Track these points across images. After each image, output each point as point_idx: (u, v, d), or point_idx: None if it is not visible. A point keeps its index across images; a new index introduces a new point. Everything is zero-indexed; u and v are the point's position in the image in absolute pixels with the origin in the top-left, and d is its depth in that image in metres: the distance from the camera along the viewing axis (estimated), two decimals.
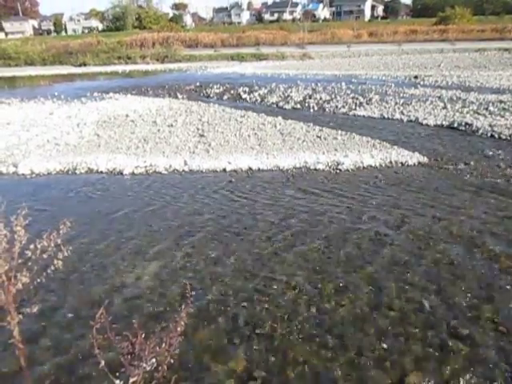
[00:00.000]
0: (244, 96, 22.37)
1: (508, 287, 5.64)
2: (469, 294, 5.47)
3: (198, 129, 14.97)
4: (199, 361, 4.42)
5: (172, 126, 15.59)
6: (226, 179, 10.33)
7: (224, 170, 10.98)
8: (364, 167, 10.74)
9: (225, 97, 22.64)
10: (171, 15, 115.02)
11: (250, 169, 10.95)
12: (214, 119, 16.41)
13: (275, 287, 5.74)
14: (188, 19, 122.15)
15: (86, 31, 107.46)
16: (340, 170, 10.61)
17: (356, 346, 4.56)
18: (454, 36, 59.25)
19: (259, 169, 10.94)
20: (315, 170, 10.71)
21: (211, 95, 23.43)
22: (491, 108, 16.78)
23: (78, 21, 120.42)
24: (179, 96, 22.98)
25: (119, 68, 45.68)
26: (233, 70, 39.04)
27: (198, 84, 27.91)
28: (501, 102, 17.93)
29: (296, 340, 4.69)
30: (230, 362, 4.40)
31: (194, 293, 5.57)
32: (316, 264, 6.30)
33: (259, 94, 22.48)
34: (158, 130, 14.94)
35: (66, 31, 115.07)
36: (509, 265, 6.23)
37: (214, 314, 5.22)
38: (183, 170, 11.07)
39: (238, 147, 12.58)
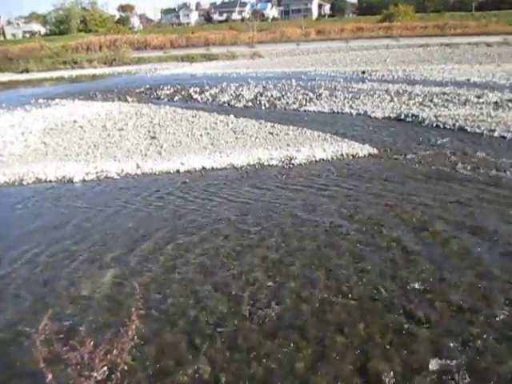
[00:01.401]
0: (195, 96, 22.15)
1: (458, 268, 5.85)
2: (422, 277, 5.63)
3: (149, 131, 14.66)
4: (160, 365, 4.29)
5: (122, 129, 15.18)
6: (180, 180, 10.17)
7: (178, 171, 10.80)
8: (316, 161, 10.88)
9: (176, 98, 22.31)
10: (118, 17, 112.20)
11: (204, 168, 10.84)
12: (165, 121, 16.12)
13: (235, 285, 5.69)
14: (135, 21, 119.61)
15: (28, 35, 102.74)
16: (293, 164, 10.70)
17: (318, 338, 4.58)
18: (399, 32, 61.23)
19: (213, 168, 10.84)
20: (269, 165, 10.74)
21: (162, 97, 23.03)
22: (435, 100, 17.47)
23: (18, 24, 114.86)
24: (129, 99, 22.42)
25: (65, 73, 43.96)
26: (183, 70, 38.58)
27: (147, 86, 27.35)
28: (444, 93, 18.71)
29: (259, 336, 4.66)
30: (192, 363, 4.30)
31: (152, 296, 5.44)
32: (274, 259, 6.30)
33: (210, 94, 22.33)
34: (108, 135, 14.50)
35: (4, 36, 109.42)
36: (458, 247, 6.48)
37: (174, 317, 5.10)
38: (136, 174, 10.80)
39: (190, 147, 12.43)
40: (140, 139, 13.75)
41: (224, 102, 20.04)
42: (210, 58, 48.85)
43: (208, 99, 21.07)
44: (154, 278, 5.98)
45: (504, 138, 13.59)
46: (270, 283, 5.67)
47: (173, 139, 13.37)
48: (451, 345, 4.35)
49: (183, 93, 23.68)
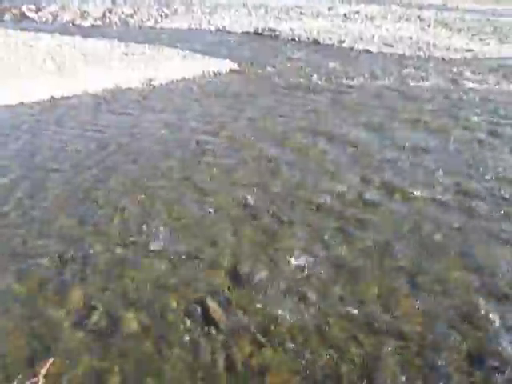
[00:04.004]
0: (30, 15, 19.18)
1: (316, 172, 6.32)
2: (284, 182, 5.97)
3: None
4: None
5: None
6: (25, 113, 8.98)
7: (21, 103, 9.48)
8: (178, 80, 10.47)
9: (5, 17, 19.05)
10: None
11: (54, 98, 9.70)
12: None
13: (102, 217, 5.38)
14: None
15: None
16: (154, 85, 10.16)
17: (191, 254, 4.63)
18: None
19: (64, 96, 9.76)
20: (128, 89, 10.04)
21: None
22: (291, 13, 17.71)
23: None
24: None
25: None
26: None
27: None
28: (298, 7, 19.02)
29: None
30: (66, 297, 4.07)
31: None
32: (140, 184, 6.05)
33: (50, 12, 19.51)
34: None
35: None
36: (315, 153, 6.96)
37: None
38: None
39: (33, 75, 10.92)
40: None
41: (67, 20, 17.78)
42: None
43: (47, 18, 18.44)
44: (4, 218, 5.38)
45: (352, 48, 14.53)
46: (139, 208, 5.50)
47: (9, 66, 11.57)
48: (312, 241, 4.76)
49: (14, 11, 20.28)
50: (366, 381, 2.96)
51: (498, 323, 3.57)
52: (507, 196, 5.61)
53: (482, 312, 3.69)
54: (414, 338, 3.44)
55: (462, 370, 3.17)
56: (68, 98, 9.74)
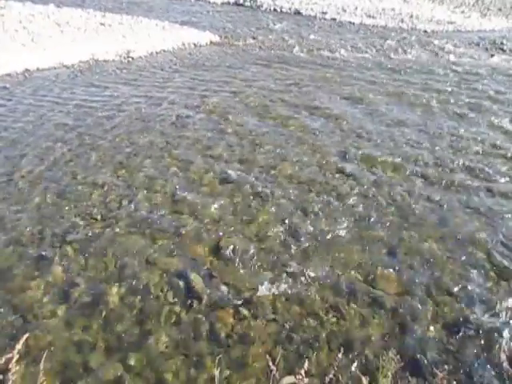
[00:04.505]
0: None
1: (297, 145, 6.31)
2: (266, 156, 5.95)
3: None
4: None
5: None
6: None
7: None
8: (157, 52, 10.21)
9: None
10: None
11: (28, 70, 9.37)
12: None
13: (81, 192, 5.30)
14: None
15: None
16: (132, 58, 9.89)
17: (171, 230, 4.62)
18: None
19: (39, 68, 9.45)
20: (105, 61, 9.76)
21: None
22: None
23: None
24: None
25: None
26: None
27: None
28: None
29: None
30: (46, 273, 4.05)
31: None
32: (119, 158, 5.96)
33: None
34: None
35: None
36: (297, 126, 6.93)
37: None
38: None
39: (4, 46, 10.49)
40: None
41: None
42: None
43: None
44: None
45: (334, 19, 14.32)
46: (118, 182, 5.43)
47: None
48: (294, 213, 4.79)
49: None
50: (344, 347, 3.05)
51: (473, 293, 3.68)
52: (485, 168, 5.71)
53: (458, 282, 3.80)
54: (392, 306, 3.53)
55: (437, 336, 3.29)
56: (43, 69, 9.44)
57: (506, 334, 3.23)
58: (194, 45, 10.72)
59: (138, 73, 9.11)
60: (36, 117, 7.33)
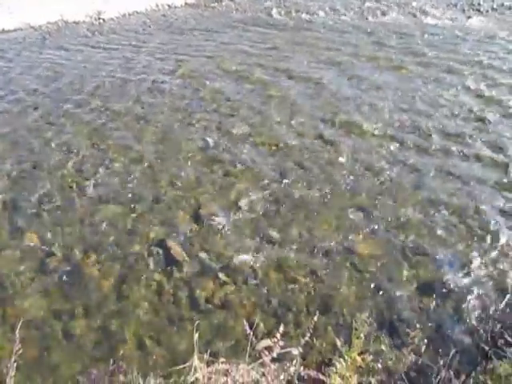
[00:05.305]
0: None
1: (277, 110, 6.23)
2: (245, 122, 5.87)
3: None
4: None
5: None
6: None
7: None
8: (129, 14, 9.82)
9: None
10: None
11: None
12: None
13: (55, 160, 5.17)
14: None
15: None
16: (103, 19, 9.49)
17: (152, 195, 4.57)
18: None
19: (4, 30, 8.99)
20: (75, 23, 9.35)
21: None
22: None
23: None
24: None
25: None
26: None
27: None
28: None
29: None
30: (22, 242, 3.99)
31: None
32: (93, 126, 5.81)
33: None
34: None
35: None
36: (275, 91, 6.83)
37: None
38: None
39: None
40: None
41: None
42: None
43: None
44: None
45: None
46: (95, 151, 5.31)
47: None
48: (272, 179, 4.79)
49: None
50: (322, 308, 3.13)
51: (447, 255, 3.79)
52: (460, 132, 5.77)
53: (433, 244, 3.90)
54: (368, 268, 3.61)
55: (411, 296, 3.40)
56: (8, 31, 9.00)
57: (475, 292, 3.36)
58: (169, 6, 10.33)
59: (111, 36, 8.77)
60: (4, 81, 7.03)
